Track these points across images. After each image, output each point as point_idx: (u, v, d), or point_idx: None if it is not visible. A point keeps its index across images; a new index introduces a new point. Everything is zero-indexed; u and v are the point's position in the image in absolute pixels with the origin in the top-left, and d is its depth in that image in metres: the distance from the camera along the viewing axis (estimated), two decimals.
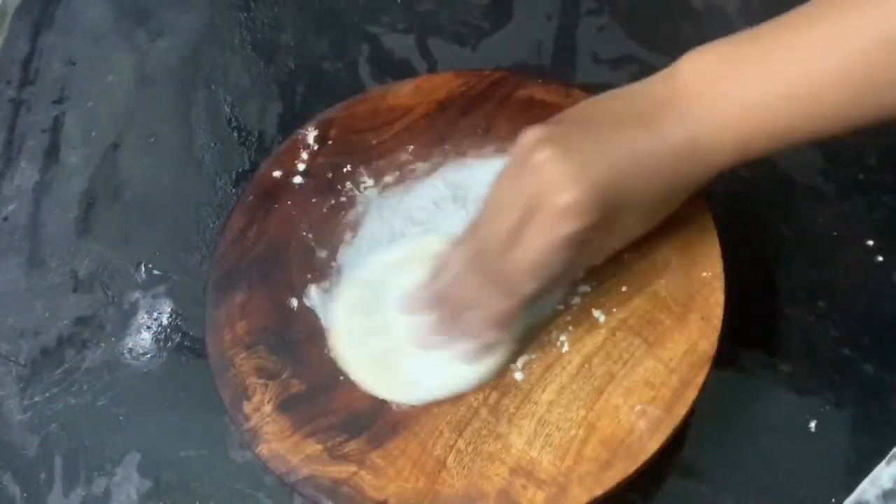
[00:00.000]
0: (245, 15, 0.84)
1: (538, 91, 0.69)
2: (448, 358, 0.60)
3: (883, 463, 0.57)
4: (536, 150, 0.54)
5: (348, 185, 0.68)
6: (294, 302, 0.64)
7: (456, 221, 0.64)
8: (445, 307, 0.60)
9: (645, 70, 0.75)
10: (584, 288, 0.62)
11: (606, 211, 0.54)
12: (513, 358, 0.60)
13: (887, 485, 0.56)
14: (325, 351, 0.63)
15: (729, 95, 0.54)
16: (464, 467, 0.57)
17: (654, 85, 0.57)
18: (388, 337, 0.61)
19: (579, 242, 0.54)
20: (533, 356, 0.60)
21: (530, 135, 0.55)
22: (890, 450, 0.60)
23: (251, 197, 0.68)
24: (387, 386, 0.60)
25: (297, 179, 0.69)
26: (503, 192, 0.57)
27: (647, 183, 0.55)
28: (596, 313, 0.61)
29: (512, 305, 0.58)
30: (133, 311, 0.72)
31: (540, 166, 0.54)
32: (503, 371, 0.60)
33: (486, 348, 0.59)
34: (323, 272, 0.65)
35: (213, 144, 0.78)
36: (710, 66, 0.55)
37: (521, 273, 0.56)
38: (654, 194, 0.56)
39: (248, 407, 0.61)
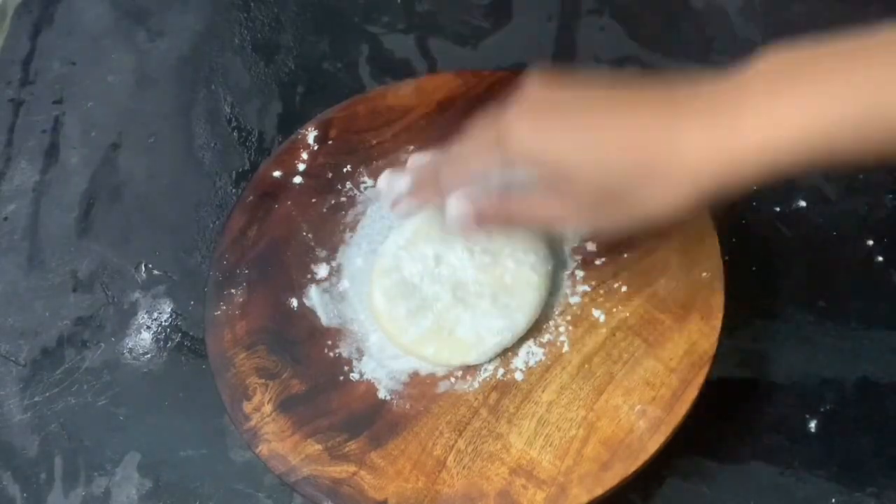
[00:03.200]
0: (245, 15, 0.84)
1: None
2: (490, 309, 0.61)
3: None
4: (512, 108, 0.54)
5: (348, 185, 0.68)
6: (294, 302, 0.64)
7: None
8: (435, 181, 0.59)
9: (645, 70, 0.75)
10: (584, 288, 0.62)
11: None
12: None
13: None
14: (325, 351, 0.63)
15: (790, 99, 0.49)
16: (464, 467, 0.57)
17: (713, 80, 0.52)
18: (433, 311, 0.62)
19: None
20: (533, 356, 0.60)
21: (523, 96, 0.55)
22: (890, 450, 0.60)
23: (251, 197, 0.68)
24: (454, 353, 0.61)
25: (297, 179, 0.69)
26: (475, 136, 0.57)
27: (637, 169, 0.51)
28: (596, 313, 0.61)
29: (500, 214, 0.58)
30: (133, 311, 0.71)
31: (508, 119, 0.54)
32: (506, 371, 0.60)
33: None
34: (323, 272, 0.66)
35: (213, 144, 0.78)
36: (782, 65, 0.50)
37: (443, 178, 0.58)
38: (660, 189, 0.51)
39: (248, 407, 0.61)
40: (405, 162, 0.68)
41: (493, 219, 0.57)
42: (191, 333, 0.70)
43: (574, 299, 0.62)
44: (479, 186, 0.56)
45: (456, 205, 0.57)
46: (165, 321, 0.71)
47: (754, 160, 0.49)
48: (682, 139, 0.50)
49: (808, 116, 0.49)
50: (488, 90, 0.70)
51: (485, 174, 0.56)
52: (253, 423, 0.60)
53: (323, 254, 0.66)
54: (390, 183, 0.61)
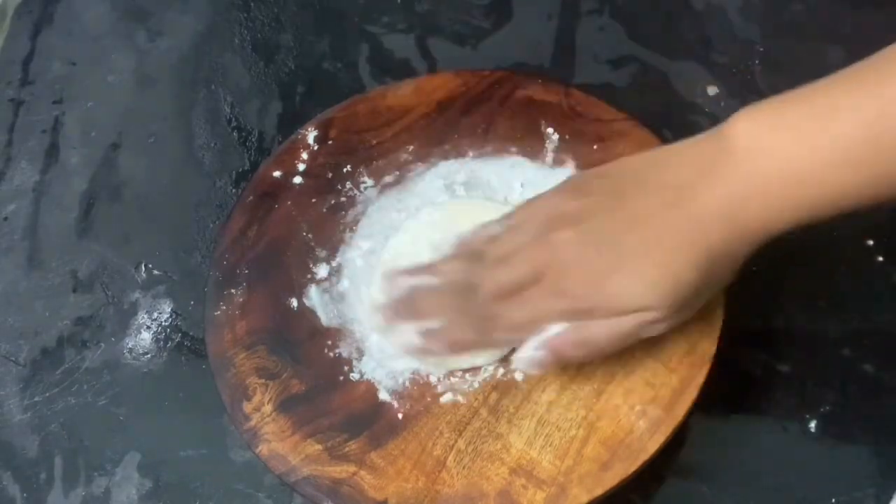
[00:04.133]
0: (245, 15, 0.84)
1: (538, 91, 0.69)
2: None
3: None
4: (560, 227, 0.54)
5: (348, 185, 0.68)
6: (294, 302, 0.64)
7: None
8: (412, 308, 0.59)
9: (645, 70, 0.75)
10: None
11: (611, 309, 0.54)
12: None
13: None
14: (325, 351, 0.63)
15: (777, 152, 0.50)
16: (464, 467, 0.57)
17: (699, 144, 0.53)
18: None
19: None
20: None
21: (557, 201, 0.56)
22: (890, 450, 0.60)
23: (251, 197, 0.68)
24: (462, 357, 0.61)
25: (297, 179, 0.69)
26: (518, 241, 0.56)
27: (673, 267, 0.52)
28: None
29: (475, 342, 0.59)
30: (133, 311, 0.71)
31: (559, 247, 0.54)
32: (506, 371, 0.60)
33: (431, 355, 0.60)
34: (323, 272, 0.66)
35: (213, 144, 0.78)
36: (763, 123, 0.51)
37: (504, 327, 0.57)
38: (684, 282, 0.53)
39: (248, 407, 0.61)
40: (405, 162, 0.68)
41: (573, 356, 0.57)
42: (191, 333, 0.70)
43: None
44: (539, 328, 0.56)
45: (534, 351, 0.56)
46: (165, 321, 0.71)
47: (763, 218, 0.51)
48: (704, 220, 0.52)
49: (800, 163, 0.50)
50: (488, 90, 0.70)
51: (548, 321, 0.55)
52: (253, 423, 0.60)
53: (323, 254, 0.66)
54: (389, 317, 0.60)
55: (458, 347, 0.59)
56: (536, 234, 0.55)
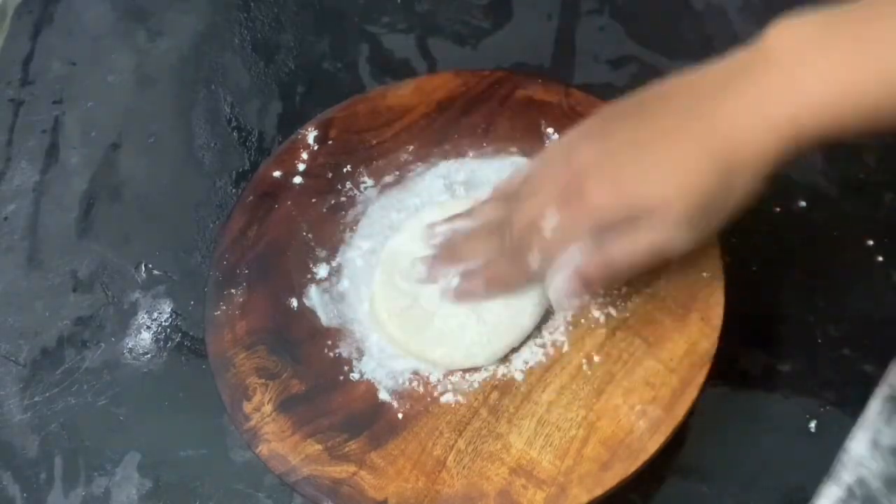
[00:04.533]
0: (245, 15, 0.84)
1: (538, 91, 0.69)
2: (497, 310, 0.61)
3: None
4: (581, 149, 0.55)
5: (348, 185, 0.68)
6: (294, 302, 0.64)
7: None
8: (451, 253, 0.61)
9: (645, 70, 0.75)
10: None
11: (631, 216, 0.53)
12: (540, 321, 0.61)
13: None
14: (325, 351, 0.63)
15: (820, 66, 0.49)
16: (464, 467, 0.57)
17: (734, 56, 0.52)
18: (439, 314, 0.62)
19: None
20: (533, 356, 0.60)
21: (582, 130, 0.56)
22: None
23: (251, 197, 0.68)
24: (465, 357, 0.61)
25: (297, 179, 0.69)
26: (546, 174, 0.57)
27: (693, 167, 0.51)
28: (596, 313, 0.61)
29: (511, 275, 0.59)
30: (133, 311, 0.72)
31: (580, 167, 0.54)
32: (506, 371, 0.60)
33: (476, 297, 0.61)
34: (323, 272, 0.66)
35: (213, 144, 0.78)
36: (801, 35, 0.50)
37: (535, 251, 0.57)
38: (704, 182, 0.51)
39: (248, 407, 0.61)
40: (405, 162, 0.68)
41: (599, 279, 0.57)
42: (191, 333, 0.70)
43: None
44: (570, 256, 0.56)
45: (564, 281, 0.56)
46: (165, 321, 0.71)
47: (794, 124, 0.50)
48: (729, 122, 0.51)
49: (841, 78, 0.49)
50: (488, 90, 0.70)
51: (576, 243, 0.55)
52: (253, 423, 0.60)
53: (323, 254, 0.66)
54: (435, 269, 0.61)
55: (495, 284, 0.60)
56: (561, 163, 0.56)
